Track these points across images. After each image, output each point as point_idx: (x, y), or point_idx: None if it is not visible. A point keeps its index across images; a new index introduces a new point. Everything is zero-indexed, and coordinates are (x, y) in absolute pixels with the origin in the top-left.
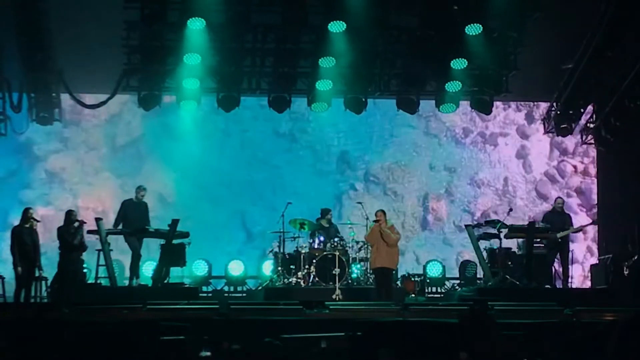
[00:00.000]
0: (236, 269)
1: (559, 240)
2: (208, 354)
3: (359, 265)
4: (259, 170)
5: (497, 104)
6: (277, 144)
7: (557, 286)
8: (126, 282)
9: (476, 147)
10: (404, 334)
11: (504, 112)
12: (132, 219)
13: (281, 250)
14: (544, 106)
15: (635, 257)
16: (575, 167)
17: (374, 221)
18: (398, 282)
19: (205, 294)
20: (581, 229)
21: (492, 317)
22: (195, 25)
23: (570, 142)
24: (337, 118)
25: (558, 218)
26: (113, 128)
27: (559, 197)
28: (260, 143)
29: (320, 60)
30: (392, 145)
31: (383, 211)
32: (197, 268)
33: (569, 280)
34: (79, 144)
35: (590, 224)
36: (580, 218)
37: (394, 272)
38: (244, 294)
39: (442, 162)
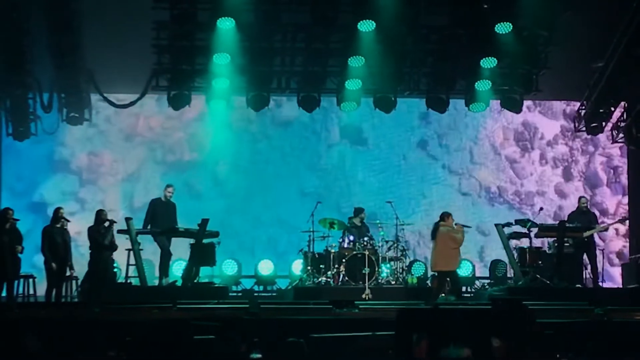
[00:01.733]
0: (266, 268)
1: (585, 239)
2: (259, 356)
3: (388, 265)
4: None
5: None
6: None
7: (588, 286)
8: (156, 282)
9: (512, 208)
10: (437, 320)
11: (541, 168)
12: (161, 219)
13: (311, 250)
14: (582, 162)
15: None
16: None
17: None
18: (428, 282)
19: (235, 294)
20: (607, 227)
21: (526, 306)
22: (225, 25)
23: (610, 202)
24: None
25: (583, 217)
26: (130, 187)
27: (583, 197)
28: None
29: (349, 59)
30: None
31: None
32: (227, 267)
33: (599, 279)
34: (97, 204)
35: (617, 221)
36: None
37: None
38: (274, 294)
39: (475, 224)
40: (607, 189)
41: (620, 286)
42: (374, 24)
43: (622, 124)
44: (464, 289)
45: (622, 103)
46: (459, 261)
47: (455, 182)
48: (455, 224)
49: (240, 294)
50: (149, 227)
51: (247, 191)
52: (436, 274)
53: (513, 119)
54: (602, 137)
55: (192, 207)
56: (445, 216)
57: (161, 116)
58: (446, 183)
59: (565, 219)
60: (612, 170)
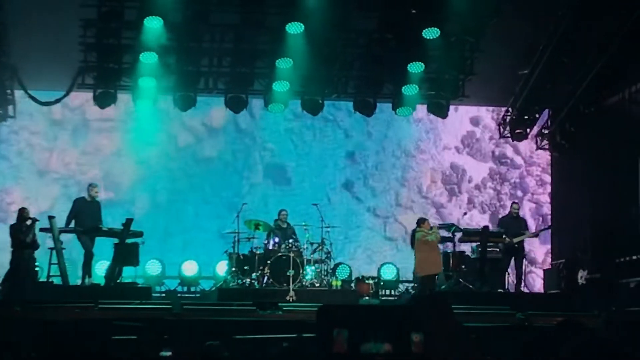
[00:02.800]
0: (190, 269)
1: (515, 245)
2: (169, 353)
3: (313, 267)
4: (216, 170)
5: (461, 202)
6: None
7: (511, 290)
8: (78, 281)
9: None
10: (358, 316)
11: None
12: (85, 218)
13: (236, 251)
14: None
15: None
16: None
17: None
18: (352, 285)
19: (158, 294)
20: (537, 234)
21: (448, 301)
22: (153, 24)
23: (539, 252)
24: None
25: (514, 223)
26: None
27: (515, 202)
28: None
29: (277, 61)
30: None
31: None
32: (151, 268)
33: (522, 284)
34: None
35: (546, 228)
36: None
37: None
38: (198, 295)
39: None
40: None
41: (542, 291)
42: (303, 26)
43: (546, 131)
44: (387, 292)
45: (547, 110)
46: (439, 263)
47: (380, 227)
48: (431, 227)
49: (163, 295)
50: (71, 225)
51: (164, 232)
52: (421, 279)
53: (442, 161)
54: (531, 182)
55: (107, 247)
56: (420, 222)
57: (76, 151)
58: (371, 227)
59: (496, 229)
60: (540, 218)
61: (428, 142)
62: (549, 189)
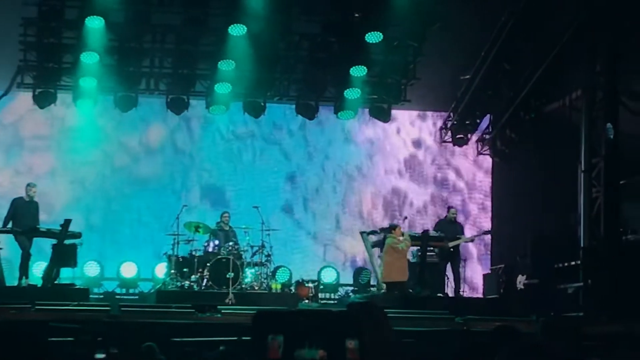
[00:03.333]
0: (129, 270)
1: (451, 249)
2: (103, 356)
3: (252, 270)
4: (153, 190)
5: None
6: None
7: (450, 295)
8: (15, 282)
9: None
10: (293, 322)
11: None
12: (22, 218)
13: (175, 253)
14: None
15: (536, 281)
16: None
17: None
18: (292, 288)
19: (96, 296)
20: (473, 238)
21: (382, 309)
22: (94, 24)
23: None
24: None
25: (450, 227)
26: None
27: (452, 207)
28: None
29: (219, 62)
30: None
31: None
32: (89, 269)
33: (461, 289)
34: None
35: (482, 233)
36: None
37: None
38: (136, 297)
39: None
40: (477, 264)
41: (482, 296)
42: (245, 28)
43: (487, 136)
44: (327, 295)
45: (488, 115)
46: (406, 271)
47: (320, 252)
48: (403, 234)
49: (101, 297)
50: (9, 226)
51: (99, 254)
52: (387, 285)
53: (382, 187)
54: (473, 209)
55: (45, 248)
56: (392, 228)
57: (9, 170)
58: (310, 252)
59: (432, 229)
60: (482, 242)
61: (369, 165)
62: (490, 214)
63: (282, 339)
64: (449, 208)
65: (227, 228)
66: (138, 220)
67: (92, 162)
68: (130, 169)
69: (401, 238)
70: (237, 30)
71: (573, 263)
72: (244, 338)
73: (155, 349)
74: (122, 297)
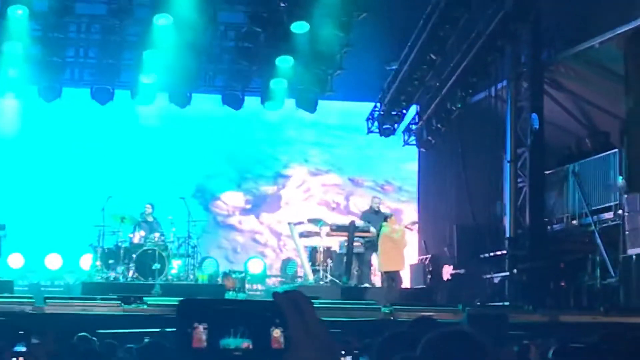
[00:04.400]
0: (54, 262)
1: (377, 239)
2: (23, 349)
3: (179, 261)
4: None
5: None
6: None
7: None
8: None
9: None
10: (218, 311)
11: None
12: None
13: (101, 245)
14: None
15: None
16: None
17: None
18: (219, 279)
19: (20, 288)
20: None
21: (308, 298)
22: (16, 13)
23: None
24: None
25: (375, 217)
26: None
27: (376, 197)
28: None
29: (145, 53)
30: None
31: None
32: (13, 261)
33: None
34: None
35: (410, 224)
36: None
37: None
38: (61, 288)
39: None
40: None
41: (409, 286)
42: (171, 18)
43: (414, 127)
44: (254, 286)
45: (415, 106)
46: (402, 261)
47: (247, 243)
48: (398, 225)
49: (26, 288)
50: None
51: (24, 246)
52: (383, 274)
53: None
54: (400, 200)
55: None
56: (387, 217)
57: None
58: (238, 243)
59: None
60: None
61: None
62: (417, 205)
63: (207, 328)
64: (372, 198)
65: (151, 219)
66: (63, 212)
67: (16, 152)
68: (56, 159)
69: (396, 227)
70: (162, 20)
71: (499, 253)
72: (168, 330)
73: (90, 339)
74: (47, 289)
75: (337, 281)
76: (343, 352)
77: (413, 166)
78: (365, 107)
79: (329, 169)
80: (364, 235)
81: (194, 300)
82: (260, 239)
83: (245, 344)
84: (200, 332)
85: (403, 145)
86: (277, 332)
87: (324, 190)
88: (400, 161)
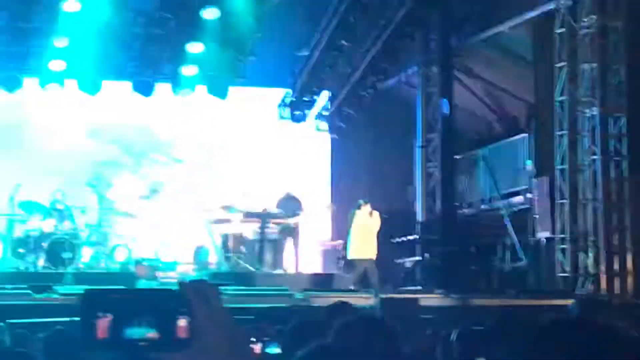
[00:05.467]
0: None
1: (292, 225)
2: None
3: (91, 250)
4: None
5: None
6: None
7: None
8: None
9: None
10: (123, 300)
11: None
12: None
13: (9, 234)
14: None
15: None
16: None
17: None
18: (130, 267)
19: None
20: (314, 216)
21: (214, 287)
22: None
23: None
24: None
25: (289, 203)
26: None
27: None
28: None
29: (53, 39)
30: None
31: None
32: None
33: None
34: None
35: (324, 209)
36: None
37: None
38: None
39: None
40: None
41: (321, 272)
42: (80, 4)
43: (326, 113)
44: (167, 274)
45: (327, 92)
46: (373, 248)
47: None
48: (371, 212)
49: None
50: None
51: None
52: (354, 262)
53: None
54: (313, 185)
55: None
56: (361, 204)
57: None
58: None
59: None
60: None
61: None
62: (329, 190)
63: (112, 318)
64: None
65: (61, 207)
66: None
67: None
68: None
69: (371, 214)
70: (71, 6)
71: (410, 237)
72: (75, 319)
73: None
74: None
75: (251, 268)
76: (254, 340)
77: (326, 152)
78: (277, 94)
79: None
80: (278, 222)
81: (98, 291)
82: (174, 225)
83: (151, 333)
84: (105, 322)
85: (315, 131)
86: (183, 322)
87: None
88: (313, 147)
